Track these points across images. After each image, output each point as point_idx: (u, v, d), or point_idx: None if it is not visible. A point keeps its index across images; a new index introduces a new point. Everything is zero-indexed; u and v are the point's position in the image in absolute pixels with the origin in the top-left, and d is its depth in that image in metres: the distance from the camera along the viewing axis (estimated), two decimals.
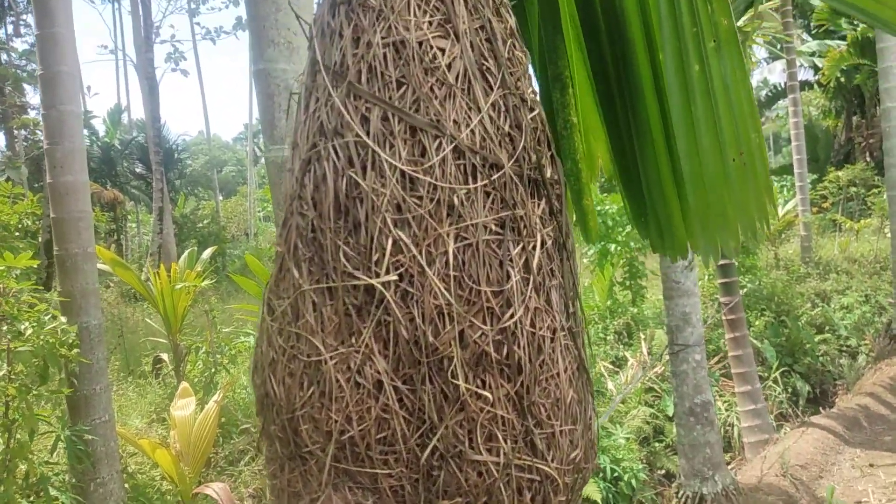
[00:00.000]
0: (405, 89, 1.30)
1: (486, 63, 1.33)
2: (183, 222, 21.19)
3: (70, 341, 3.96)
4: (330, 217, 1.32)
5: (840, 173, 14.27)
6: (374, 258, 1.28)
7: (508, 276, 1.29)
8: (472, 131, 1.30)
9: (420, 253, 1.27)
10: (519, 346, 1.28)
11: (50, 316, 3.99)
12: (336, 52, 1.35)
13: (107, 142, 21.54)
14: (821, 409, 7.83)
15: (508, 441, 1.27)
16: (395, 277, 1.27)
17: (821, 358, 9.08)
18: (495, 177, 1.30)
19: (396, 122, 1.29)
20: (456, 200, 1.28)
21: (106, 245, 19.78)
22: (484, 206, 1.30)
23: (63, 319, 4.01)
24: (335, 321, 1.30)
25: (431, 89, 1.29)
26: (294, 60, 2.70)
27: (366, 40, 1.31)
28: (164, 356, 6.49)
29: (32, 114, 17.03)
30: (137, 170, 23.06)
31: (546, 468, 1.29)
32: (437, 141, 1.29)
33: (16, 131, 18.92)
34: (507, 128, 1.34)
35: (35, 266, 4.50)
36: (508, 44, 1.37)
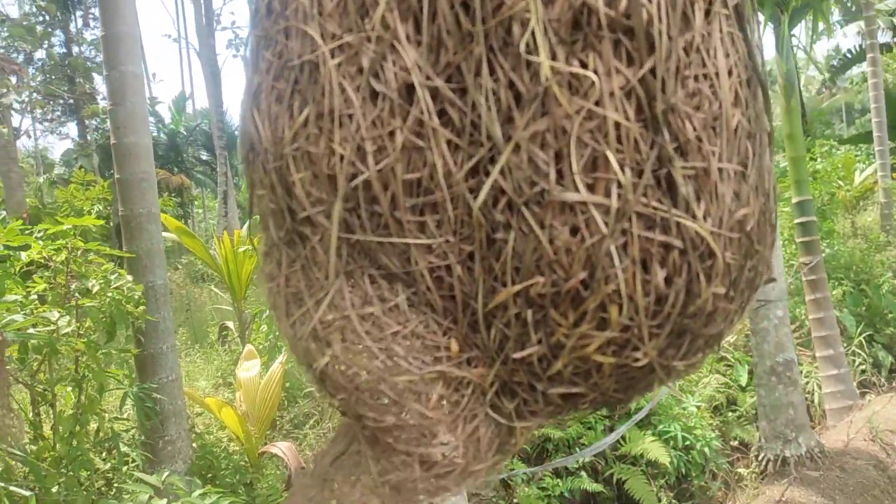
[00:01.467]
0: None
1: None
2: (246, 206, 21.54)
3: (136, 298, 3.99)
4: None
5: None
6: None
7: None
8: None
9: None
10: (651, 2, 0.72)
11: (116, 275, 4.02)
12: None
13: (173, 129, 22.05)
14: None
15: (628, 170, 0.72)
16: None
17: None
18: None
19: None
20: None
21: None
22: None
23: (129, 278, 4.04)
24: None
25: None
26: None
27: None
28: (230, 324, 6.55)
29: (103, 104, 17.52)
30: (203, 156, 23.54)
31: (696, 228, 0.74)
32: None
33: (87, 121, 19.55)
34: None
35: (102, 229, 4.55)
36: None
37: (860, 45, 18.23)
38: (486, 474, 0.91)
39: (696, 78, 0.75)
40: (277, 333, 5.59)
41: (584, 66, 0.72)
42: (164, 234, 5.98)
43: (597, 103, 0.71)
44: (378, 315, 0.84)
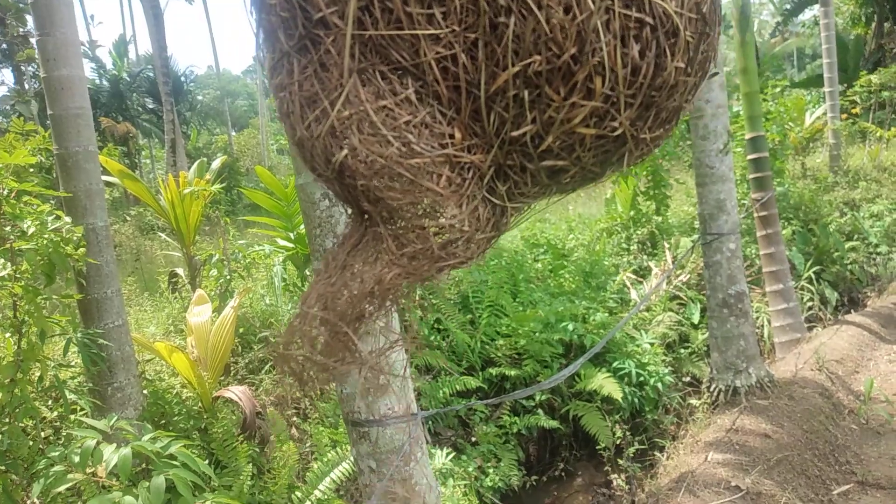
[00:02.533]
0: None
1: None
2: (196, 155, 21.01)
3: (76, 241, 3.82)
4: None
5: (872, 77, 13.67)
6: None
7: None
8: None
9: None
10: None
11: (54, 216, 3.83)
12: None
13: (115, 74, 21.23)
14: (852, 312, 7.63)
15: None
16: None
17: (850, 266, 8.84)
18: None
19: None
20: None
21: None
22: None
23: (68, 219, 3.86)
24: None
25: None
26: None
27: None
28: (179, 270, 6.38)
29: None
30: (148, 104, 22.76)
31: (662, 3, 0.86)
32: None
33: (23, 66, 18.65)
34: None
35: (35, 177, 4.35)
36: None
37: None
38: (487, 244, 1.02)
39: None
40: (229, 277, 5.46)
41: None
42: (109, 178, 5.75)
43: None
44: (391, 107, 0.92)
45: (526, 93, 0.87)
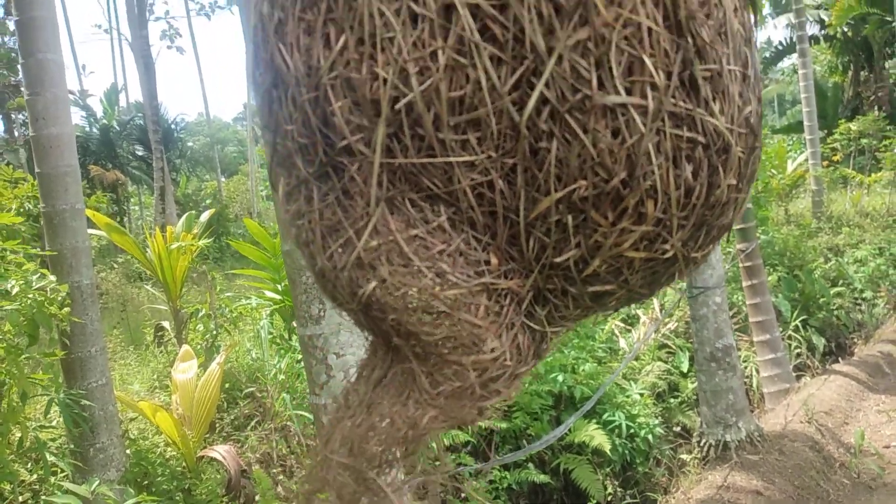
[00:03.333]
0: None
1: None
2: (185, 202, 21.02)
3: (61, 300, 3.79)
4: None
5: (851, 125, 13.94)
6: None
7: None
8: None
9: None
10: None
11: (38, 275, 3.81)
12: None
13: (105, 123, 21.33)
14: (840, 360, 7.64)
15: (661, 73, 0.79)
16: None
17: (836, 311, 8.89)
18: None
19: None
20: None
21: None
22: None
23: (52, 278, 3.84)
24: None
25: None
26: None
27: None
28: (166, 324, 6.33)
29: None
30: (138, 152, 22.84)
31: (714, 122, 0.83)
32: None
33: (13, 115, 18.73)
34: None
35: (32, 229, 4.34)
36: None
37: (790, 38, 18.79)
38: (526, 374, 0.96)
39: None
40: (215, 333, 5.41)
41: None
42: (96, 231, 5.74)
43: (630, 9, 0.76)
44: (423, 236, 0.87)
45: (570, 218, 0.83)
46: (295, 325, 5.98)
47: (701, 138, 0.82)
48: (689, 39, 0.79)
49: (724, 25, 0.84)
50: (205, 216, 6.28)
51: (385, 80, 0.80)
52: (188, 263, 5.59)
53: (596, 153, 0.78)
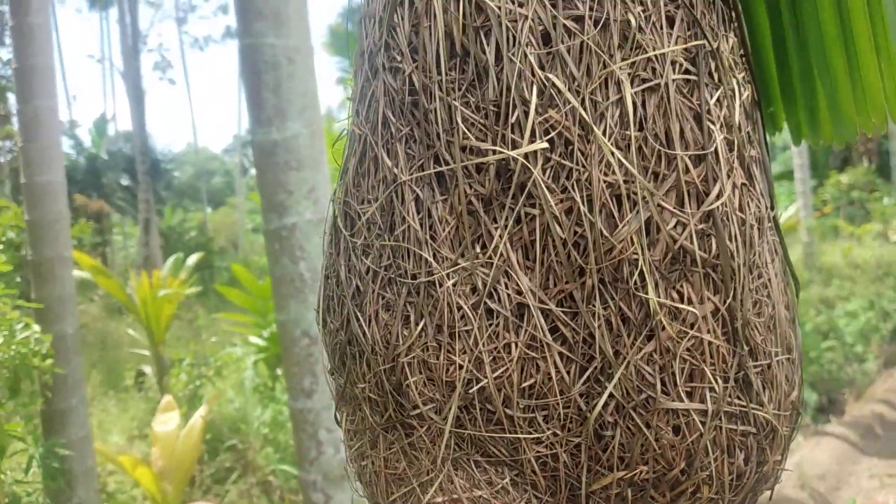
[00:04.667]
0: None
1: None
2: (169, 234, 20.84)
3: (44, 351, 3.68)
4: (438, 66, 0.88)
5: (842, 177, 14.09)
6: (512, 118, 0.84)
7: (710, 136, 0.86)
8: None
9: (582, 104, 0.83)
10: (731, 240, 0.86)
11: (23, 325, 3.70)
12: None
13: (93, 152, 21.22)
14: (831, 417, 7.59)
15: (719, 379, 0.86)
16: (545, 145, 0.83)
17: (827, 366, 8.85)
18: None
19: None
20: (632, 20, 0.83)
21: (91, 258, 19.44)
22: (670, 31, 0.86)
23: (37, 328, 3.73)
24: (451, 224, 0.88)
25: None
26: (283, 34, 2.44)
27: None
28: (147, 369, 6.19)
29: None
30: (123, 181, 22.70)
31: (764, 415, 0.88)
32: None
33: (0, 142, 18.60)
34: None
35: (8, 271, 4.22)
36: None
37: None
38: None
39: (757, 290, 0.90)
40: (198, 383, 5.29)
41: (680, 296, 0.85)
42: (80, 273, 5.62)
43: (692, 326, 0.84)
44: (487, 497, 0.89)
45: (629, 492, 0.87)
46: (279, 371, 5.87)
47: (752, 429, 0.89)
48: (744, 345, 0.87)
49: (774, 318, 0.91)
50: (192, 260, 6.19)
51: (461, 367, 0.86)
52: (173, 311, 5.48)
53: (658, 447, 0.84)
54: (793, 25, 1.03)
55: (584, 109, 0.82)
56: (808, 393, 8.17)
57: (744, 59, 0.94)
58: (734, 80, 0.89)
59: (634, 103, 0.82)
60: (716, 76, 0.87)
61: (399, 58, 0.92)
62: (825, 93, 1.04)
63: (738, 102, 0.88)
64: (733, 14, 0.93)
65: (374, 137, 0.94)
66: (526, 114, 0.82)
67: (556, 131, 0.83)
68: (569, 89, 0.83)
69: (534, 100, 0.82)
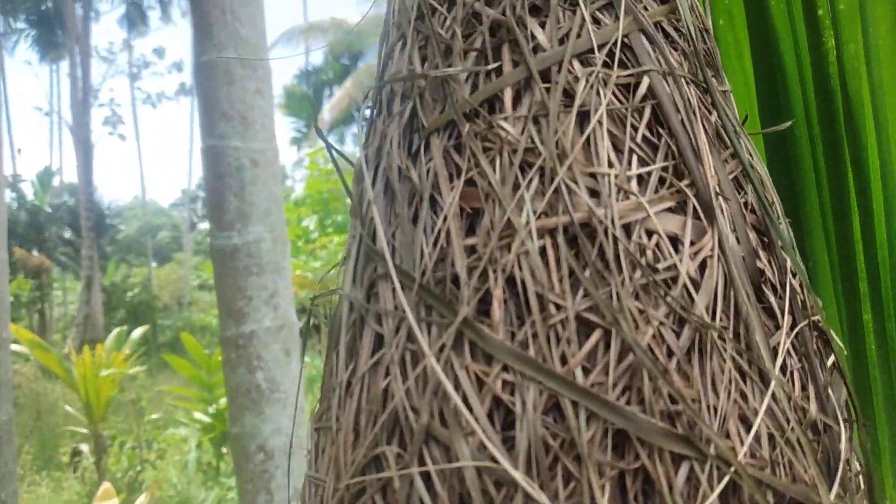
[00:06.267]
0: None
1: None
2: (112, 291, 20.28)
3: None
4: None
5: None
6: None
7: None
8: None
9: None
10: None
11: None
12: None
13: (36, 205, 20.65)
14: None
15: None
16: None
17: None
18: None
19: None
20: None
21: (28, 314, 18.72)
22: None
23: None
24: None
25: None
26: (248, 137, 2.42)
27: None
28: (84, 447, 5.90)
29: None
30: (66, 235, 22.12)
31: None
32: None
33: None
34: None
35: None
36: None
37: None
38: None
39: None
40: (139, 468, 5.05)
41: None
42: (18, 348, 5.37)
43: None
44: None
45: None
46: (224, 450, 5.66)
47: None
48: None
49: None
50: (137, 333, 5.99)
51: None
52: (114, 392, 5.27)
53: None
54: None
55: None
56: None
57: None
58: None
59: None
60: None
61: None
62: None
63: None
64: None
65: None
66: None
67: None
68: None
69: None
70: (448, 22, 0.69)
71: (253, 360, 2.32)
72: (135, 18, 23.06)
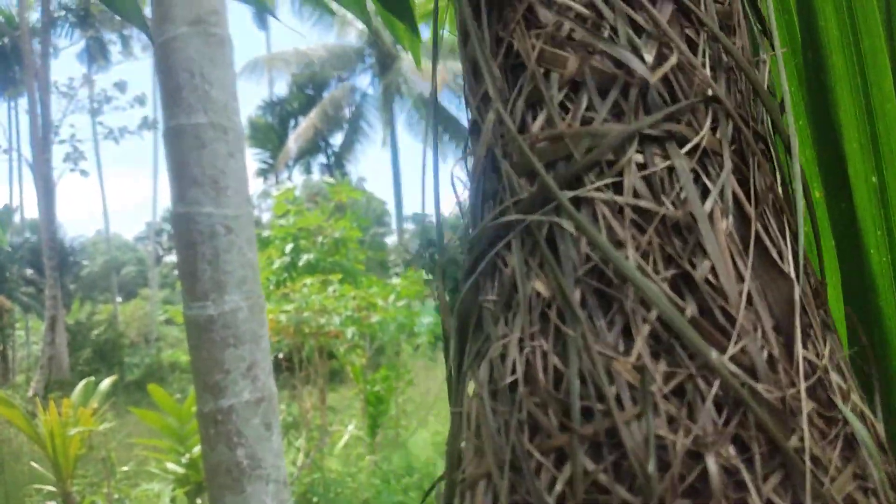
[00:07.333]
0: None
1: None
2: (77, 330, 19.83)
3: None
4: None
5: None
6: None
7: None
8: None
9: None
10: None
11: None
12: None
13: None
14: None
15: None
16: None
17: None
18: None
19: None
20: None
21: None
22: None
23: None
24: None
25: None
26: (221, 203, 2.34)
27: None
28: None
29: None
30: (28, 274, 21.64)
31: None
32: None
33: None
34: None
35: None
36: None
37: None
38: None
39: None
40: None
41: None
42: None
43: None
44: None
45: None
46: (199, 501, 5.50)
47: None
48: None
49: None
50: (105, 384, 5.82)
51: None
52: (82, 449, 5.10)
53: None
54: None
55: None
56: None
57: None
58: None
59: None
60: None
61: None
62: None
63: None
64: None
65: None
66: None
67: None
68: None
69: None
70: None
71: (233, 436, 2.23)
72: (95, 53, 22.78)
